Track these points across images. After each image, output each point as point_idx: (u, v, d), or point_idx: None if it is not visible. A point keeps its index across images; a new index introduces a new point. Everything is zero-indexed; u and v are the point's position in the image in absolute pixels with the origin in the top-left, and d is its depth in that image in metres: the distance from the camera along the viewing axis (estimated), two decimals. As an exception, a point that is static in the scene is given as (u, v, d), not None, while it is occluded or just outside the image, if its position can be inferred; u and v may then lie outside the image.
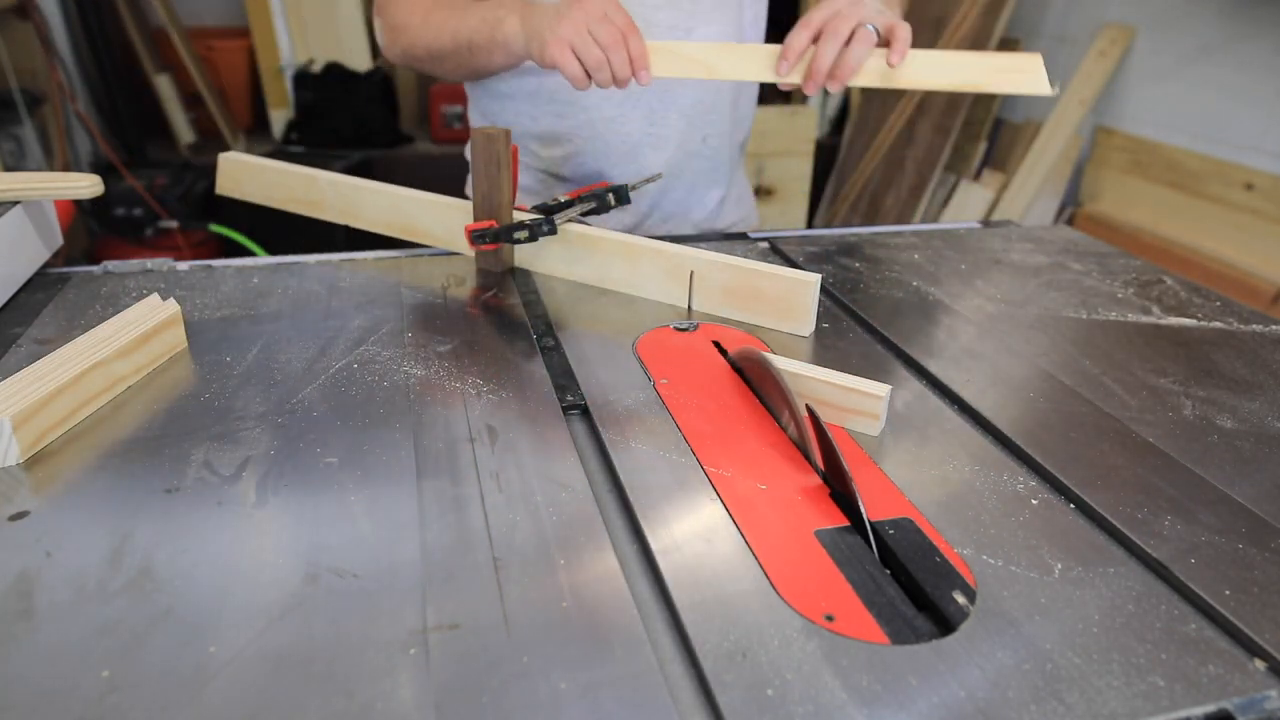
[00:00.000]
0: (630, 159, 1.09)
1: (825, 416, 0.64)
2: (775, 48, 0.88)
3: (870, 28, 0.85)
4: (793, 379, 0.66)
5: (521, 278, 0.91)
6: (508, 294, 0.87)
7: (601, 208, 0.91)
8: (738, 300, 0.83)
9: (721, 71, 0.89)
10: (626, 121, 1.06)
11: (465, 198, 0.95)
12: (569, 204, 0.90)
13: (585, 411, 0.66)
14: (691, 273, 0.84)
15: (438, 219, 0.95)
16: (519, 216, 0.89)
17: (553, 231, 0.86)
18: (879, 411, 0.64)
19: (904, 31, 0.86)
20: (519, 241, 0.87)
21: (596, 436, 0.63)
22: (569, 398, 0.68)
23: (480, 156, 0.85)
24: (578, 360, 0.74)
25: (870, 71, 0.86)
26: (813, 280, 0.80)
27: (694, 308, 0.85)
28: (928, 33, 2.93)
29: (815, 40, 0.87)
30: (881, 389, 0.64)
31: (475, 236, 0.87)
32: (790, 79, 0.88)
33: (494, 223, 0.87)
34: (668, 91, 1.05)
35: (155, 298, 0.73)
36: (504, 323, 0.81)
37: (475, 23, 0.93)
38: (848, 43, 0.85)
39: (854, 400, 0.65)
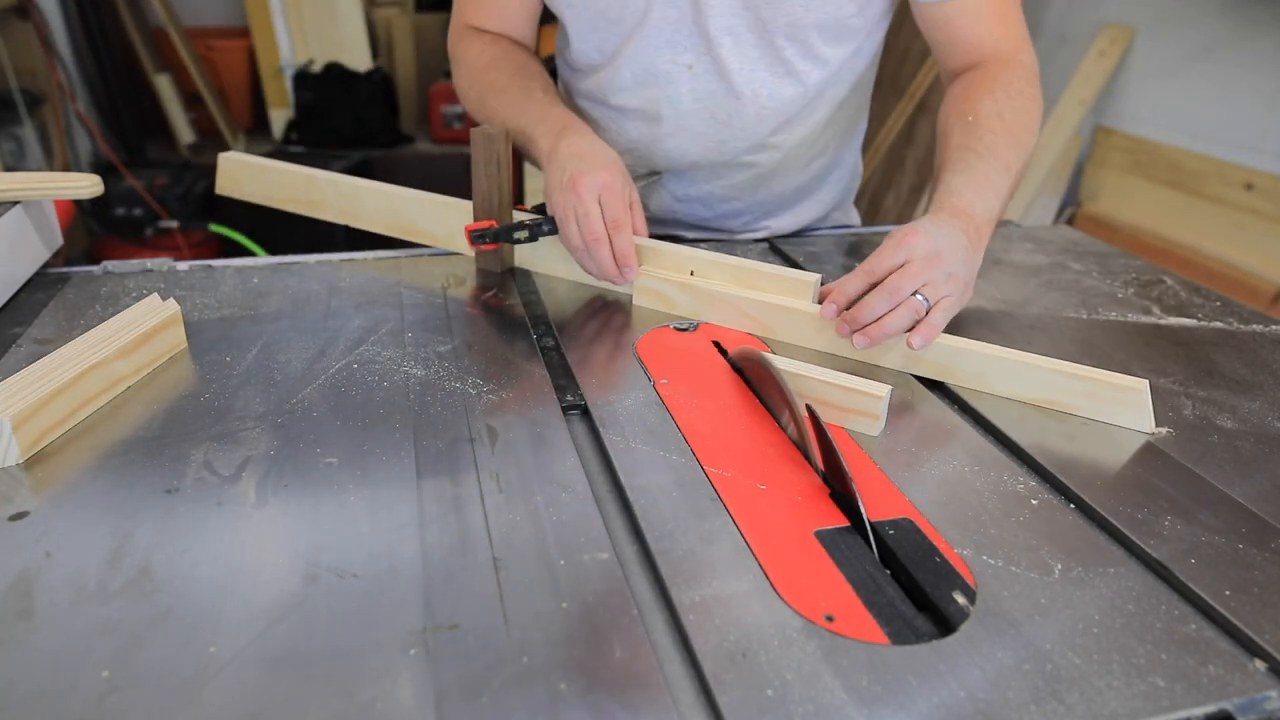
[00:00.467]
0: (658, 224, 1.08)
1: (825, 416, 0.64)
2: (798, 284, 0.79)
3: (923, 301, 0.71)
4: (793, 379, 0.66)
5: (521, 277, 0.91)
6: (508, 294, 0.87)
7: (533, 235, 0.88)
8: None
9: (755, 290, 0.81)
10: (649, 201, 1.06)
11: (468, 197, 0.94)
12: None
13: (585, 411, 0.66)
14: (691, 272, 0.84)
15: (437, 219, 0.95)
16: (519, 216, 0.89)
17: (553, 231, 0.86)
18: (879, 411, 0.64)
19: (940, 314, 0.71)
20: (519, 241, 0.87)
21: (596, 436, 0.63)
22: (569, 398, 0.68)
23: (480, 156, 0.85)
24: (578, 360, 0.74)
25: (897, 353, 0.74)
26: (883, 392, 0.66)
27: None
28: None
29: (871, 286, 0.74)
30: (881, 389, 0.64)
31: (475, 236, 0.87)
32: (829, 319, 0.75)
33: (494, 223, 0.87)
34: (694, 184, 1.03)
35: (155, 298, 0.73)
36: (504, 323, 0.81)
37: (518, 125, 0.91)
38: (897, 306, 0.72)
39: (854, 400, 0.65)
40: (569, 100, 1.07)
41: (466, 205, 0.91)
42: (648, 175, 1.01)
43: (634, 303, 0.85)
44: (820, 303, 0.76)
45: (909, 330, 0.71)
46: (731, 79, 0.94)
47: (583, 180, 0.80)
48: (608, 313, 0.84)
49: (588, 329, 0.80)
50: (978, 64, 0.93)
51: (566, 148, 0.84)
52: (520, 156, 0.95)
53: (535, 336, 0.78)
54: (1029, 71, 0.91)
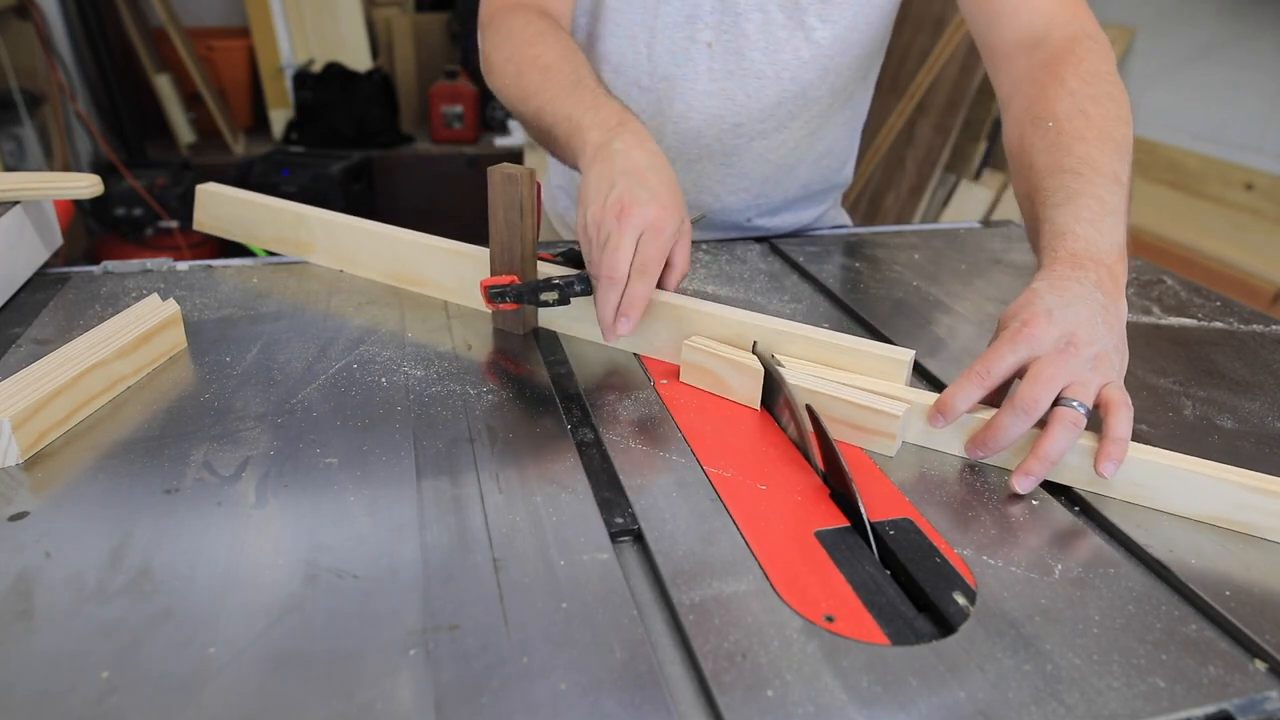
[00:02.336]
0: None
1: (838, 435, 0.62)
2: (909, 357, 0.65)
3: (1079, 407, 0.56)
4: (805, 395, 0.64)
5: (547, 340, 0.77)
6: (531, 362, 0.86)
7: (562, 299, 0.73)
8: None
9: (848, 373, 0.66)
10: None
11: (472, 226, 0.85)
12: None
13: (586, 411, 0.66)
14: (755, 343, 0.69)
15: (448, 269, 0.82)
16: (545, 269, 0.77)
17: (587, 292, 0.71)
18: (895, 431, 0.61)
19: (1122, 424, 0.56)
20: (546, 304, 0.72)
21: (596, 436, 0.63)
22: (569, 397, 0.68)
23: (499, 200, 0.72)
24: (578, 359, 0.74)
25: (1072, 471, 0.59)
26: (907, 358, 0.65)
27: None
28: (927, 34, 2.93)
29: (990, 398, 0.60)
30: (898, 407, 0.61)
31: (492, 294, 0.73)
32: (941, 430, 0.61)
33: (515, 278, 0.73)
34: (702, 174, 1.00)
35: (155, 298, 0.73)
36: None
37: (562, 110, 0.76)
38: (1043, 421, 0.56)
39: (868, 419, 0.62)
40: None
41: (484, 254, 0.78)
42: (695, 217, 0.91)
43: (681, 378, 0.71)
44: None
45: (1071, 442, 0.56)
46: (752, 58, 0.91)
47: (633, 212, 0.65)
48: (608, 313, 0.84)
49: (587, 327, 0.80)
50: (1033, 42, 0.78)
51: (623, 154, 0.69)
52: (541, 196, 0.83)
53: (535, 334, 0.78)
54: (1101, 46, 0.76)
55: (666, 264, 0.69)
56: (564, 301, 0.72)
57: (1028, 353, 0.57)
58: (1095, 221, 0.64)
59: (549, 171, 1.17)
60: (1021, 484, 0.57)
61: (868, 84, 1.05)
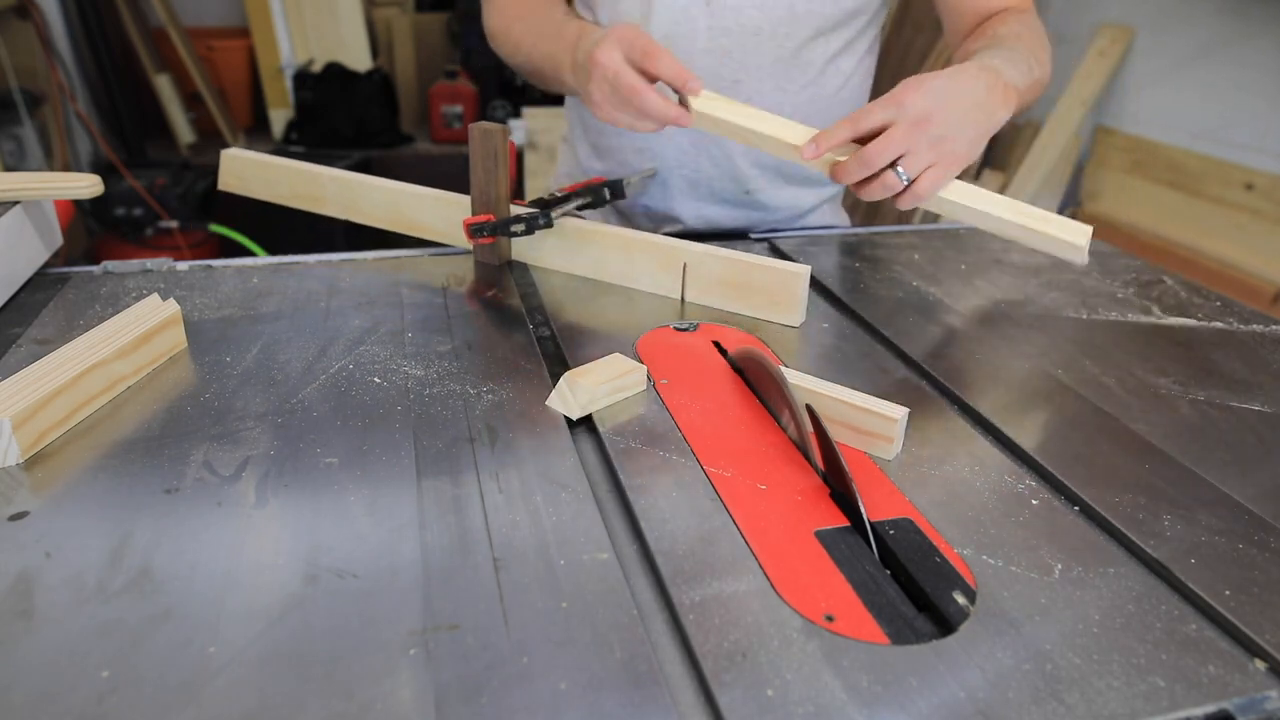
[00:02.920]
0: (661, 192, 1.08)
1: (839, 437, 0.62)
2: (808, 131, 0.80)
3: (902, 176, 0.73)
4: (804, 395, 0.64)
5: (520, 272, 0.91)
6: (507, 294, 0.87)
7: (597, 202, 0.92)
8: (731, 292, 0.84)
9: (751, 131, 0.82)
10: (655, 157, 1.06)
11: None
12: (565, 199, 0.91)
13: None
14: (685, 264, 0.85)
15: (436, 213, 0.95)
16: (516, 211, 0.89)
17: (549, 224, 0.87)
18: (894, 434, 0.61)
19: (927, 185, 0.73)
20: (515, 235, 0.88)
21: (596, 436, 0.63)
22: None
23: (478, 151, 0.87)
24: (577, 359, 0.74)
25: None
26: (803, 270, 0.81)
27: (687, 300, 0.86)
28: (927, 34, 2.93)
29: (859, 140, 0.75)
30: (897, 410, 0.61)
31: (473, 230, 0.88)
32: (812, 164, 0.78)
33: (491, 217, 0.88)
34: (701, 137, 1.03)
35: (155, 298, 0.73)
36: (504, 322, 0.81)
37: (547, 50, 0.92)
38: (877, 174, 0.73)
39: (869, 421, 0.62)
40: None
41: (465, 200, 0.92)
42: (645, 172, 1.03)
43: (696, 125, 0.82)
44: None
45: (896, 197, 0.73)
46: (749, 15, 0.94)
47: (599, 49, 0.79)
48: (607, 312, 0.84)
49: (588, 328, 0.80)
50: (989, 15, 0.94)
51: (582, 45, 0.84)
52: (521, 157, 0.97)
53: (534, 334, 0.78)
54: (1037, 20, 0.93)
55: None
56: (529, 231, 0.87)
57: (892, 115, 0.71)
58: (1007, 61, 0.79)
59: (572, 132, 1.19)
60: (808, 151, 0.75)
61: (865, 64, 1.06)
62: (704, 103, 0.82)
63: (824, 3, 0.96)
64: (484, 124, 0.86)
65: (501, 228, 0.88)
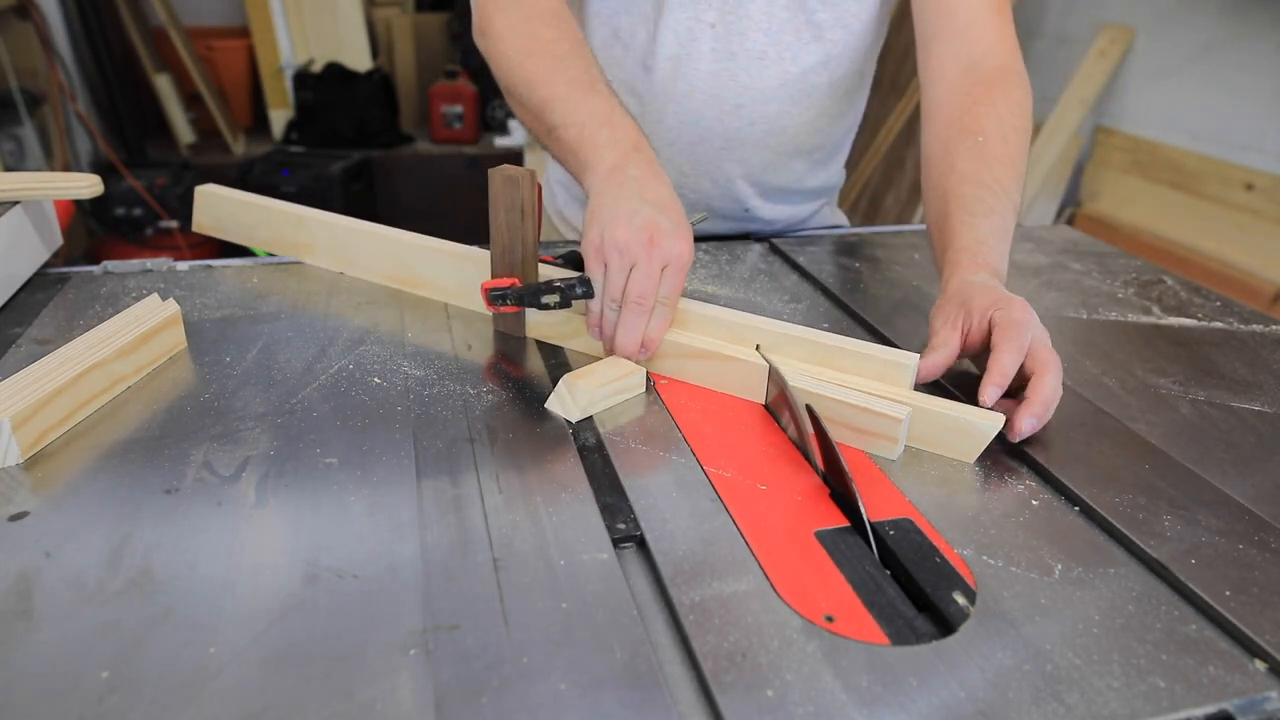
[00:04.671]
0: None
1: (841, 438, 0.62)
2: (913, 360, 0.66)
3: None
4: (805, 398, 0.64)
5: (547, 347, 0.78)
6: (529, 364, 0.86)
7: (564, 302, 0.72)
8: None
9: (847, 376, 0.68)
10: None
11: (474, 231, 0.81)
12: None
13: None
14: (758, 346, 0.70)
15: (451, 271, 0.82)
16: (545, 271, 0.76)
17: (589, 294, 0.69)
18: (897, 435, 0.61)
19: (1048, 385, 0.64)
20: (547, 307, 0.71)
21: (596, 436, 0.63)
22: (569, 398, 0.68)
23: (500, 201, 0.71)
24: (578, 359, 0.74)
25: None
26: (911, 362, 0.66)
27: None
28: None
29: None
30: (900, 410, 0.61)
31: (493, 297, 0.72)
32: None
33: (516, 281, 0.73)
34: (701, 161, 1.01)
35: (155, 298, 0.73)
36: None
37: (577, 117, 0.75)
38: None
39: (871, 422, 0.62)
40: None
41: (484, 255, 0.77)
42: (697, 219, 0.85)
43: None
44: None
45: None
46: (754, 39, 0.93)
47: (661, 242, 0.65)
48: (608, 313, 0.84)
49: (588, 329, 0.80)
50: (970, 63, 0.86)
51: (640, 180, 0.69)
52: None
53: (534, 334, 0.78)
54: (1025, 82, 0.85)
55: None
56: (565, 304, 0.71)
57: (1029, 336, 0.65)
58: (1002, 241, 0.75)
59: (548, 166, 1.18)
60: (1028, 424, 0.62)
61: (864, 82, 1.05)
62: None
63: (831, 28, 0.94)
64: (507, 169, 0.70)
65: (529, 297, 0.71)
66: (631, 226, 0.66)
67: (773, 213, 1.09)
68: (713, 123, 0.98)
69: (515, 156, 3.41)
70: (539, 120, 0.79)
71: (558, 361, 0.74)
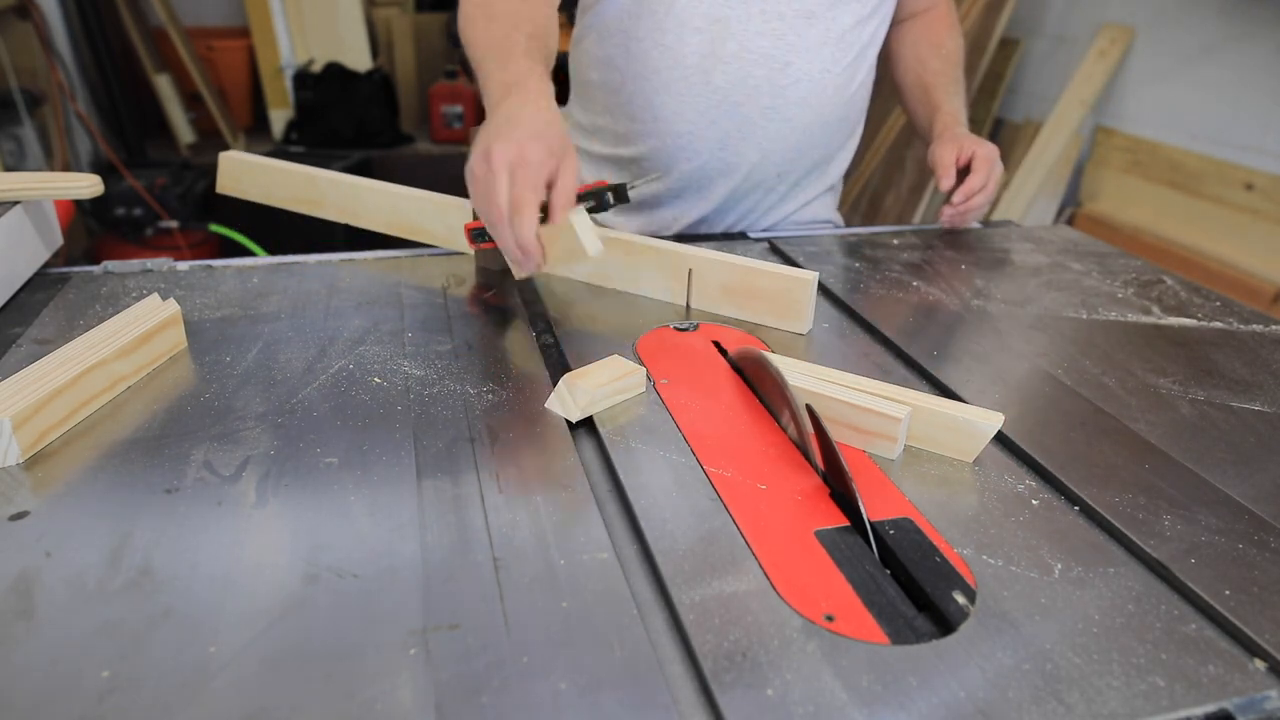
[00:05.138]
0: (696, 180, 1.08)
1: (841, 438, 0.62)
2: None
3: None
4: (806, 397, 0.64)
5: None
6: (507, 293, 0.87)
7: (601, 206, 0.90)
8: (736, 298, 0.83)
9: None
10: (698, 141, 1.05)
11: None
12: None
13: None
14: (690, 271, 0.84)
15: (437, 217, 0.95)
16: None
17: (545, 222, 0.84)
18: (897, 434, 0.61)
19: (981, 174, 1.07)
20: None
21: (596, 436, 0.63)
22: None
23: None
24: (578, 360, 0.74)
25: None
26: (810, 277, 0.80)
27: (692, 306, 0.85)
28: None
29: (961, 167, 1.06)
30: (899, 409, 0.61)
31: (474, 235, 0.86)
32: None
33: None
34: (747, 121, 1.04)
35: (155, 298, 0.73)
36: (504, 322, 0.81)
37: (486, 67, 0.82)
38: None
39: (870, 421, 0.62)
40: (605, 40, 1.05)
41: (466, 204, 0.91)
42: (651, 178, 1.01)
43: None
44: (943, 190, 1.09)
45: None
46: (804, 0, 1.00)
47: (496, 149, 0.71)
48: (608, 313, 0.84)
49: (588, 329, 0.80)
50: (927, 6, 1.19)
51: (505, 108, 0.75)
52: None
53: (535, 334, 0.78)
54: (954, 12, 1.22)
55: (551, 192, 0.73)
56: None
57: (971, 149, 1.07)
58: (965, 113, 1.15)
59: (571, 110, 1.20)
60: (961, 218, 1.09)
61: (871, 76, 1.13)
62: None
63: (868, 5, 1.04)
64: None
65: None
66: (478, 152, 0.72)
67: (782, 210, 1.14)
68: (760, 81, 1.01)
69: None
70: (477, 76, 0.86)
71: (557, 355, 0.74)
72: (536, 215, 0.71)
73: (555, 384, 0.67)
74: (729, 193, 1.09)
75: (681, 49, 1.00)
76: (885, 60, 1.19)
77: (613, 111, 1.09)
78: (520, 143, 0.71)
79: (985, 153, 1.05)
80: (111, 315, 0.70)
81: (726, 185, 1.08)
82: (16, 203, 0.83)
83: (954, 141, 1.07)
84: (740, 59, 1.00)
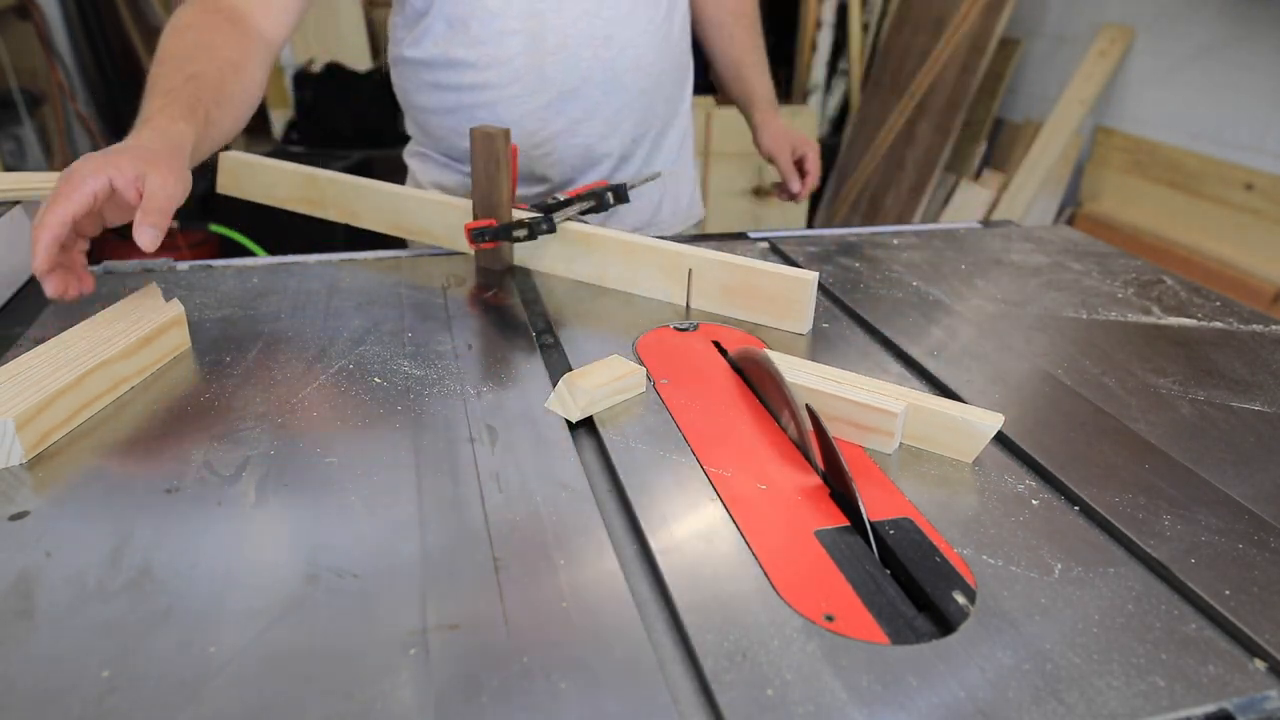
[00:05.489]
0: (568, 176, 1.10)
1: (837, 433, 0.62)
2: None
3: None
4: (805, 394, 0.64)
5: (521, 276, 0.91)
6: (507, 293, 0.87)
7: (600, 206, 0.92)
8: (736, 298, 0.83)
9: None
10: (549, 139, 1.06)
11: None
12: (568, 202, 0.90)
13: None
14: (690, 270, 0.84)
15: (438, 217, 0.95)
16: (518, 215, 0.89)
17: (551, 230, 0.87)
18: (894, 429, 0.62)
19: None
20: (518, 240, 0.87)
21: (596, 436, 0.63)
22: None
23: (479, 155, 0.85)
24: (578, 360, 0.74)
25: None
26: (810, 278, 0.80)
27: (692, 306, 0.85)
28: (927, 33, 2.93)
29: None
30: (896, 405, 0.62)
31: (475, 235, 0.87)
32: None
33: (493, 221, 0.87)
34: (590, 103, 1.05)
35: (155, 288, 0.73)
36: (504, 322, 0.81)
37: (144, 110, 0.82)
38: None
39: (867, 417, 0.62)
40: (430, 67, 1.05)
41: (466, 204, 0.91)
42: (649, 177, 1.02)
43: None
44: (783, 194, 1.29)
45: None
46: None
47: (84, 159, 0.73)
48: (608, 313, 0.84)
49: (588, 328, 0.80)
50: None
51: (124, 143, 0.77)
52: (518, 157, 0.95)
53: (535, 335, 0.78)
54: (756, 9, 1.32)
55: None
56: (532, 237, 0.87)
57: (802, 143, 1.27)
58: (772, 89, 1.31)
59: (413, 133, 1.24)
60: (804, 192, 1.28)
61: (690, 71, 1.19)
62: None
63: None
64: (486, 127, 0.85)
65: (504, 233, 0.87)
66: (82, 160, 0.74)
67: (652, 164, 1.17)
68: (590, 61, 1.02)
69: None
70: None
71: (557, 355, 0.74)
72: (68, 210, 0.69)
73: (555, 384, 0.67)
74: (604, 175, 1.11)
75: (505, 53, 1.01)
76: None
77: (458, 132, 1.08)
78: (106, 154, 0.73)
79: (813, 154, 1.25)
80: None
81: (596, 172, 1.10)
82: (16, 203, 0.83)
83: (784, 140, 1.24)
84: (565, 47, 1.01)
